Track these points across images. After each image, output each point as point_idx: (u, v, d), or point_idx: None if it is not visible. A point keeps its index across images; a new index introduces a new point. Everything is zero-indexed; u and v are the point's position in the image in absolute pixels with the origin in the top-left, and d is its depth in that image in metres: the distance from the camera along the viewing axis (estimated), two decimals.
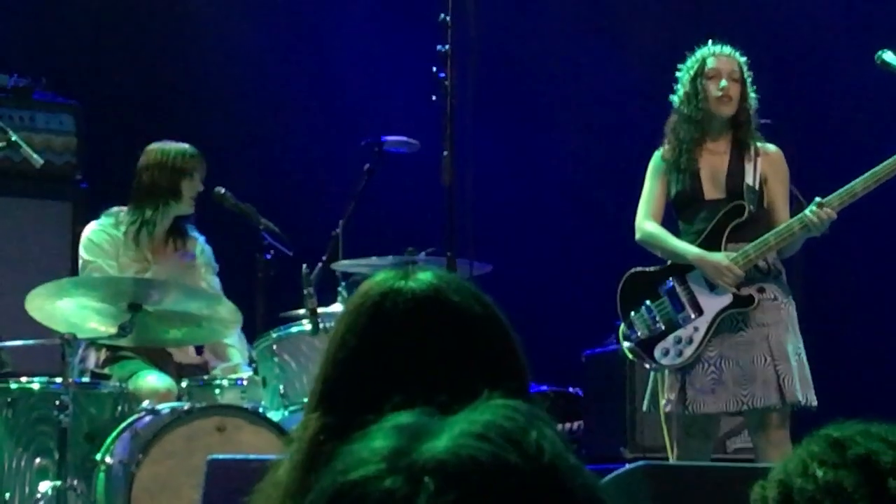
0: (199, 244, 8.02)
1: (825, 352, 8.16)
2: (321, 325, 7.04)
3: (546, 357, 8.49)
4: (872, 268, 9.53)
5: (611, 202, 7.61)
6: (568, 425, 9.07)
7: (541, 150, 10.20)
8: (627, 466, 5.99)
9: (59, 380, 6.91)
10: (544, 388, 8.81)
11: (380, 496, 1.29)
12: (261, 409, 6.97)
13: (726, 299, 7.12)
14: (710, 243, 7.15)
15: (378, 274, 2.52)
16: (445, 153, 7.25)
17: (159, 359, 7.67)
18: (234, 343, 7.70)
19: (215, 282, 8.00)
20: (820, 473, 2.31)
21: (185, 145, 7.83)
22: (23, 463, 7.07)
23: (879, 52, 7.23)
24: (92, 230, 7.84)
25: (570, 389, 9.24)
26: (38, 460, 7.05)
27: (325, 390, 2.42)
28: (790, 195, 7.38)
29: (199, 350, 7.94)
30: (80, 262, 7.80)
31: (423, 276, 2.48)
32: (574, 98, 10.34)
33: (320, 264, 7.65)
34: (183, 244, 7.92)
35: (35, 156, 7.82)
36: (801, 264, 8.48)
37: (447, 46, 7.27)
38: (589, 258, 8.56)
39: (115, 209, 7.84)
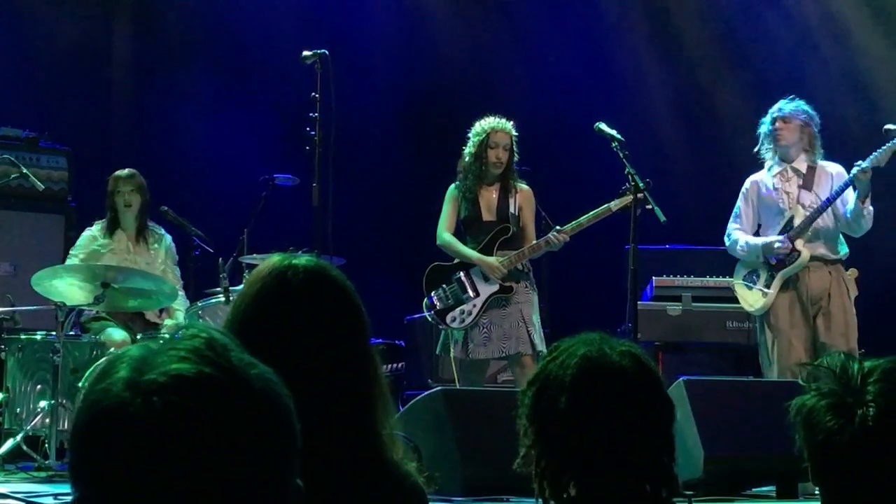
0: (166, 241, 7.89)
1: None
2: (231, 298, 7.05)
3: (381, 321, 8.54)
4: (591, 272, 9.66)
5: (426, 218, 7.67)
6: (394, 365, 9.08)
7: (378, 183, 10.14)
8: (430, 391, 6.19)
9: (54, 333, 6.93)
10: (379, 340, 8.60)
11: (127, 417, 1.22)
12: None
13: (495, 287, 7.26)
14: (486, 250, 7.29)
15: (274, 256, 2.41)
16: (314, 185, 7.29)
17: (129, 320, 7.53)
18: (180, 307, 7.59)
19: (176, 270, 7.88)
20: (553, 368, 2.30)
21: (119, 171, 7.71)
22: (28, 388, 7.07)
23: (597, 123, 7.15)
24: (83, 234, 7.79)
25: (396, 342, 9.25)
26: (38, 386, 7.03)
27: (241, 331, 2.24)
28: (541, 219, 7.45)
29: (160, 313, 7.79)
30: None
31: (309, 259, 2.41)
32: (394, 147, 10.34)
33: (231, 258, 7.60)
34: (147, 241, 7.77)
35: (39, 183, 7.85)
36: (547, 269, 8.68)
37: (316, 114, 7.30)
38: (409, 255, 8.61)
39: (101, 220, 7.78)
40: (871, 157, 7.05)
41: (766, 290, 7.30)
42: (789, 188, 7.37)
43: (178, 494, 1.21)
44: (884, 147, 7.05)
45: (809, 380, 1.99)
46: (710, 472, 5.75)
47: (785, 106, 7.38)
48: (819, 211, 7.22)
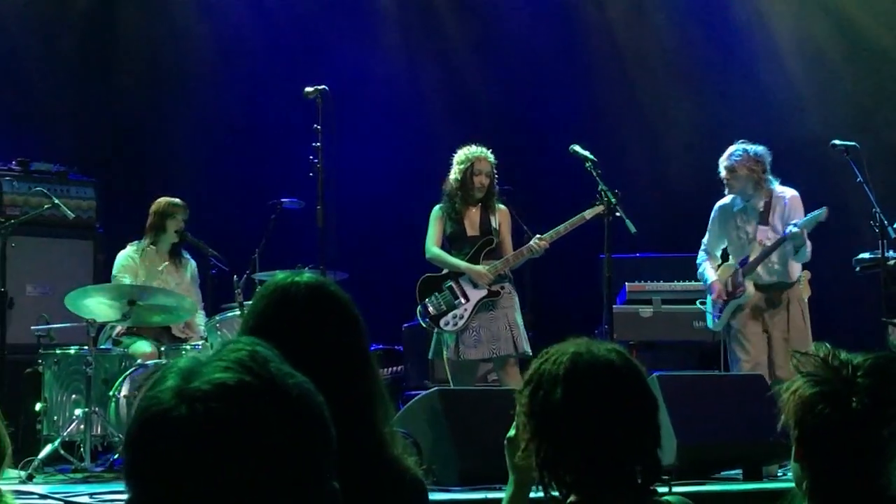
0: (191, 266, 7.95)
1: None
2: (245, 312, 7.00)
3: (381, 328, 8.52)
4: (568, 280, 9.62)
5: (420, 236, 7.64)
6: (394, 368, 9.05)
7: (374, 206, 10.05)
8: (427, 391, 6.14)
9: (86, 347, 6.93)
10: (379, 346, 8.69)
11: (171, 421, 1.20)
12: None
13: (483, 292, 7.28)
14: (473, 260, 7.32)
15: (279, 273, 2.46)
16: (318, 207, 7.24)
17: (158, 335, 7.57)
18: (201, 323, 7.64)
19: (198, 292, 7.90)
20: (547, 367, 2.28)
21: (173, 199, 7.82)
22: (64, 398, 7.11)
23: (571, 146, 7.16)
24: (121, 254, 7.81)
25: (396, 347, 9.17)
26: (73, 396, 7.03)
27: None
28: (523, 233, 7.42)
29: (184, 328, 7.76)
30: (112, 273, 7.75)
31: (310, 276, 2.42)
32: (389, 172, 10.24)
33: (245, 275, 7.57)
34: (179, 264, 7.83)
35: (69, 212, 7.80)
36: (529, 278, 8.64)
37: (318, 143, 7.26)
38: (406, 269, 8.54)
39: (137, 241, 7.80)
40: (804, 220, 7.06)
41: (719, 314, 7.41)
42: (749, 227, 7.40)
43: (221, 495, 1.19)
44: (812, 215, 7.06)
45: (800, 367, 2.01)
46: (683, 459, 5.72)
47: (729, 158, 7.31)
48: (765, 255, 7.26)
